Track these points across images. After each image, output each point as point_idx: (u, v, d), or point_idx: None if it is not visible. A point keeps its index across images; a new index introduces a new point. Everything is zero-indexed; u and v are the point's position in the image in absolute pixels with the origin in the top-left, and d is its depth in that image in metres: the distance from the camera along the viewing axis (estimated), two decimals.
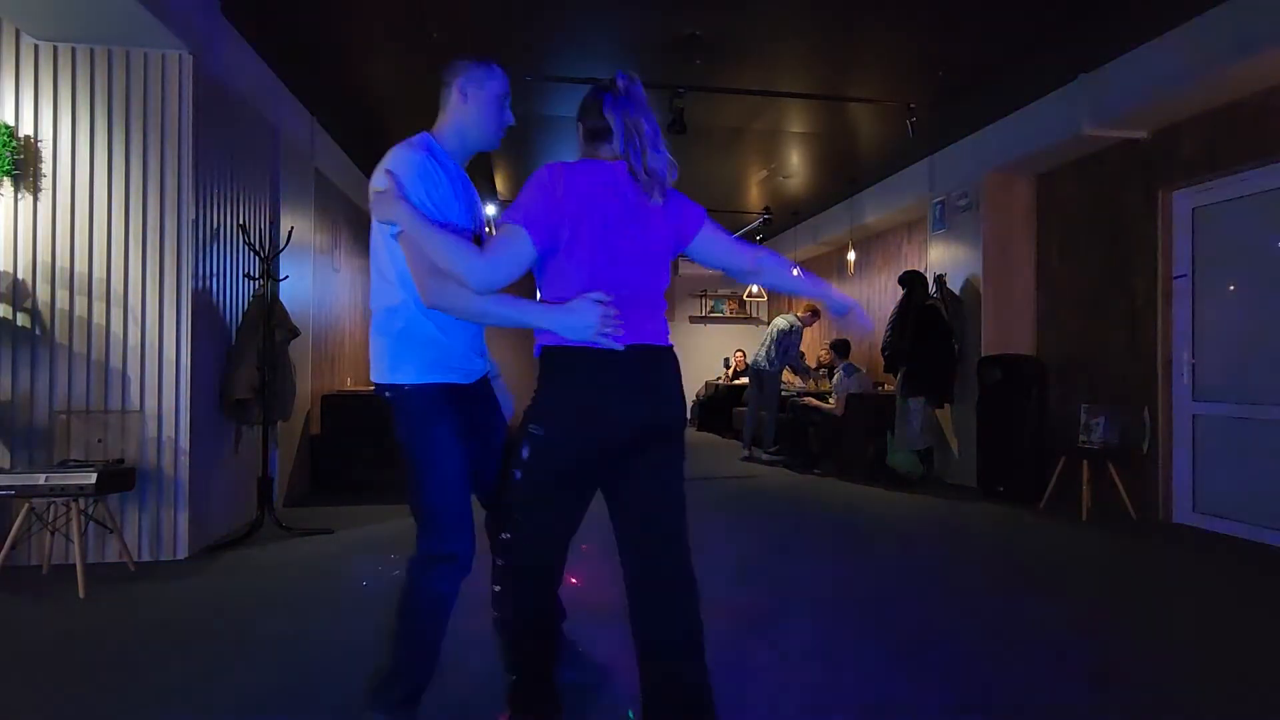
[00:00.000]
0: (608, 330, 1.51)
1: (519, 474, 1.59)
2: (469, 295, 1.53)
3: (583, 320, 1.50)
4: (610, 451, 1.57)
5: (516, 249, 1.49)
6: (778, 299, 11.27)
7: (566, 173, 1.54)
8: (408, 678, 1.78)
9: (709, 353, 11.39)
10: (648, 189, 1.55)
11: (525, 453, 1.57)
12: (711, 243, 1.74)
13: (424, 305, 1.61)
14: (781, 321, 7.41)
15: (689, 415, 11.34)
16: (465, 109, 1.79)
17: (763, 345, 7.45)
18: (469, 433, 1.81)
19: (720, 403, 10.06)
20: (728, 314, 11.57)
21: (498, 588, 1.74)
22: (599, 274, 1.54)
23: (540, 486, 1.58)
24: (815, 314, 7.70)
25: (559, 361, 1.55)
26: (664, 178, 1.57)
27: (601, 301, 1.51)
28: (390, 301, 1.74)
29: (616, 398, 1.54)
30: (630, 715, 1.89)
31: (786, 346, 7.33)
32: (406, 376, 1.74)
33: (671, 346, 1.66)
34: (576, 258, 1.53)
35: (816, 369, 8.63)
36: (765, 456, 7.40)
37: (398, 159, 1.67)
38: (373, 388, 1.85)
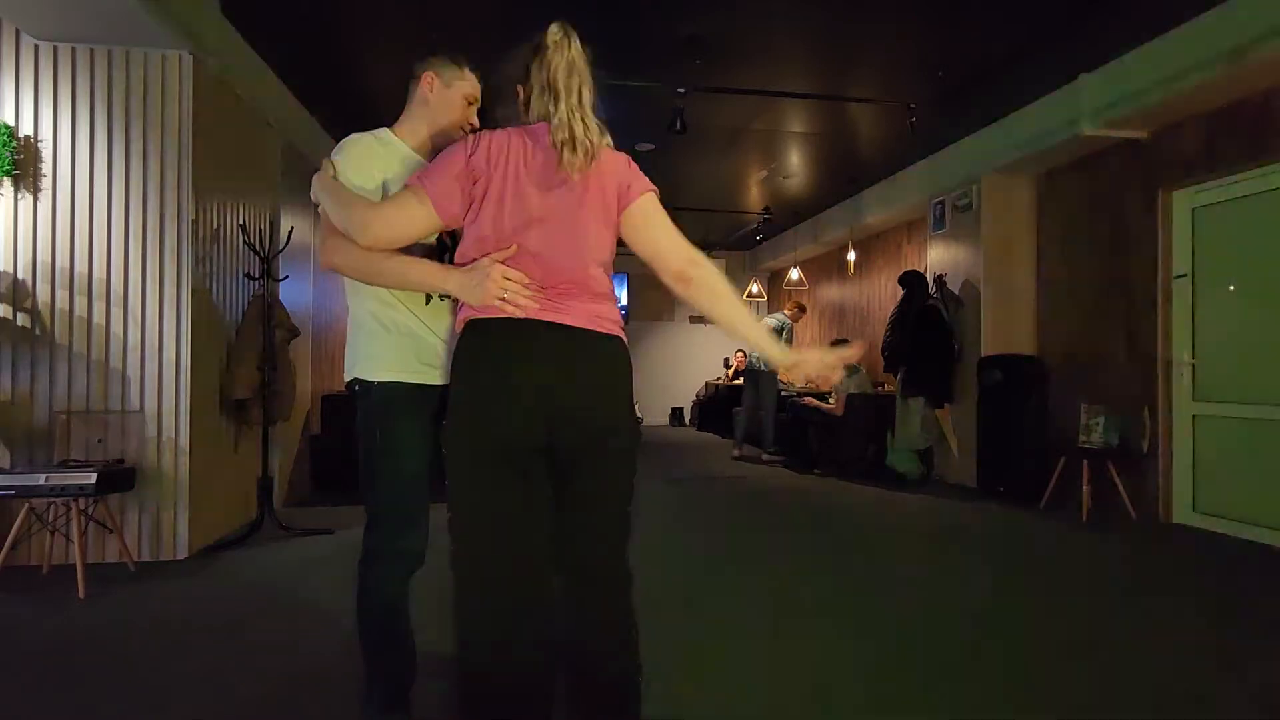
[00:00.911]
0: (507, 295, 1.36)
1: (446, 451, 1.43)
2: (365, 254, 1.43)
3: (479, 281, 1.36)
4: (522, 443, 1.39)
5: (410, 207, 1.40)
6: (778, 299, 11.29)
7: (485, 137, 1.44)
8: (386, 680, 1.75)
9: (709, 353, 11.40)
10: (561, 156, 1.39)
11: (446, 425, 1.43)
12: (645, 225, 1.50)
13: (321, 267, 1.54)
14: (771, 321, 7.46)
15: (688, 416, 11.35)
16: (428, 106, 1.74)
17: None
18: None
19: (720, 403, 10.06)
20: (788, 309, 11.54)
21: (457, 599, 1.45)
22: (508, 239, 1.40)
23: (463, 469, 1.40)
24: (802, 309, 7.74)
25: (470, 336, 1.42)
26: (587, 146, 1.40)
27: (503, 262, 1.38)
28: (363, 297, 1.68)
29: (523, 381, 1.37)
30: None
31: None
32: (373, 373, 1.67)
33: (612, 337, 1.45)
34: (486, 222, 1.40)
35: None
36: (765, 456, 7.46)
37: (340, 144, 1.64)
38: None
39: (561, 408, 1.39)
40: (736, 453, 7.69)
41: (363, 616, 1.75)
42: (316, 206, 1.55)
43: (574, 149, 1.39)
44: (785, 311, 7.62)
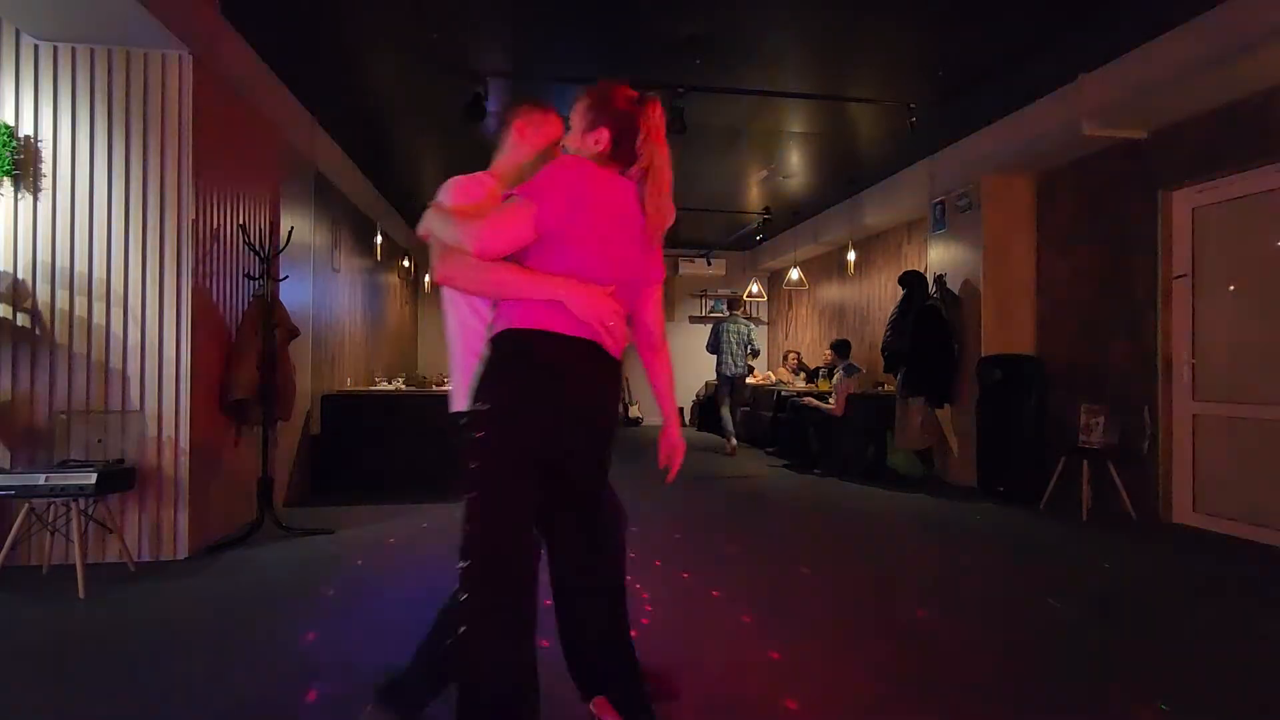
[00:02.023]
0: (610, 324, 1.52)
1: (474, 463, 1.51)
2: (481, 266, 1.51)
3: (599, 303, 1.51)
4: (556, 442, 1.54)
5: (520, 220, 1.49)
6: (778, 299, 11.28)
7: (590, 172, 1.57)
8: (418, 685, 1.80)
9: (709, 352, 11.38)
10: (652, 226, 1.61)
11: (477, 435, 1.50)
12: (649, 300, 1.77)
13: (435, 280, 1.60)
14: (742, 329, 8.07)
15: (688, 416, 11.38)
16: (521, 150, 1.88)
17: (731, 354, 8.04)
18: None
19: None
20: (727, 314, 11.54)
21: (464, 596, 1.52)
22: (597, 272, 1.54)
23: (493, 479, 1.50)
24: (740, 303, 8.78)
25: (524, 344, 1.51)
26: (665, 223, 1.62)
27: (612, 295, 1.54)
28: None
29: (574, 390, 1.53)
30: None
31: (753, 346, 8.16)
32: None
33: (619, 363, 1.65)
34: (578, 252, 1.53)
35: (817, 369, 8.67)
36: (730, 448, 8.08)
37: (444, 184, 1.77)
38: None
39: (589, 420, 1.59)
40: (731, 447, 8.15)
41: (440, 618, 1.85)
42: (427, 240, 1.63)
43: (661, 229, 1.63)
44: (739, 313, 8.37)
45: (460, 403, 1.72)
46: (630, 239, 1.60)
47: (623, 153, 1.63)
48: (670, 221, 1.64)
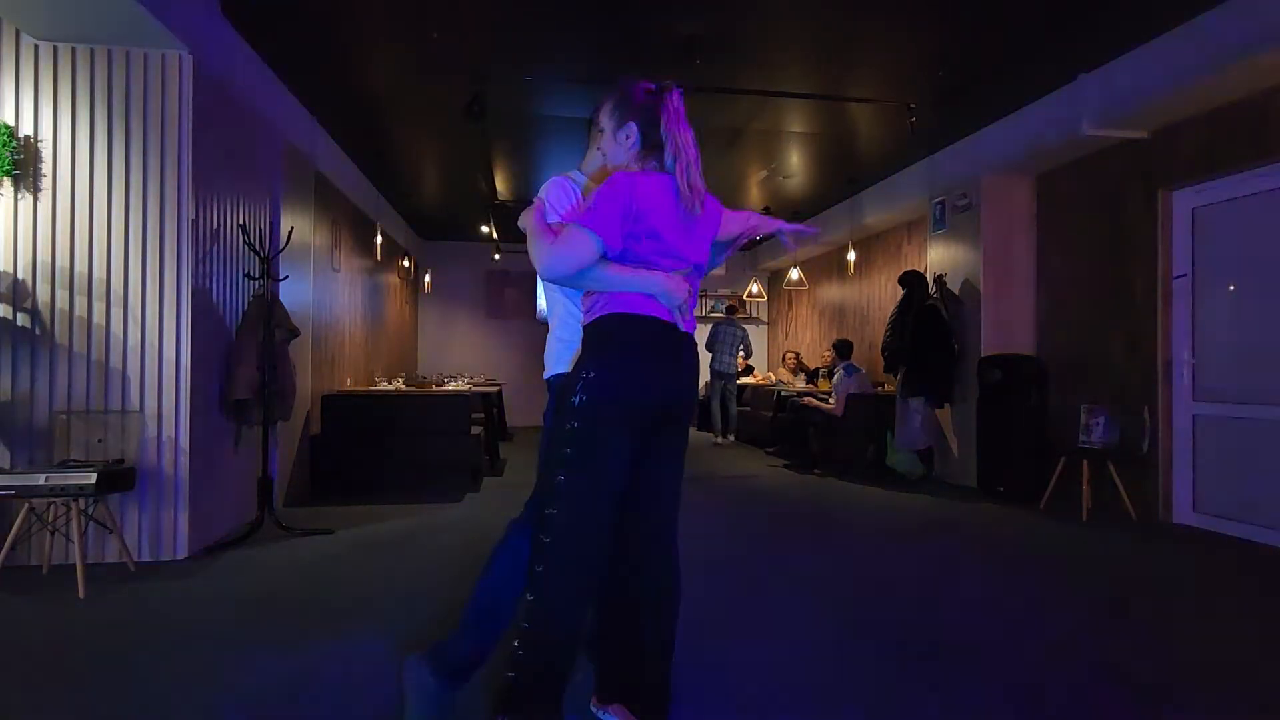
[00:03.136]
0: (684, 308, 1.77)
1: (575, 423, 1.68)
2: (582, 266, 1.70)
3: (677, 289, 1.74)
4: (648, 416, 1.74)
5: (582, 249, 1.67)
6: (778, 299, 11.28)
7: (638, 183, 1.73)
8: (463, 643, 1.86)
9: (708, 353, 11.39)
10: (688, 204, 1.77)
11: (579, 399, 1.68)
12: (729, 220, 2.01)
13: (543, 276, 1.77)
14: (737, 331, 8.80)
15: None
16: (609, 148, 1.95)
17: (729, 353, 8.82)
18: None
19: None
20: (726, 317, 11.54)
21: (539, 568, 1.68)
22: (664, 266, 1.76)
23: (592, 436, 1.67)
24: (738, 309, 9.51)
25: (620, 325, 1.73)
26: (704, 192, 1.81)
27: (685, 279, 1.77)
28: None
29: (665, 365, 1.77)
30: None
31: (746, 349, 8.89)
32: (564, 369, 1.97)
33: (693, 338, 1.87)
34: (644, 253, 1.74)
35: (817, 370, 8.69)
36: (718, 441, 8.88)
37: (545, 185, 1.96)
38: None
39: (676, 393, 1.81)
40: (723, 439, 8.95)
41: (486, 570, 1.93)
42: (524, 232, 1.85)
43: (693, 203, 1.79)
44: (735, 317, 9.08)
45: (553, 368, 1.99)
46: (684, 227, 1.79)
47: (652, 143, 1.80)
48: (701, 192, 1.80)
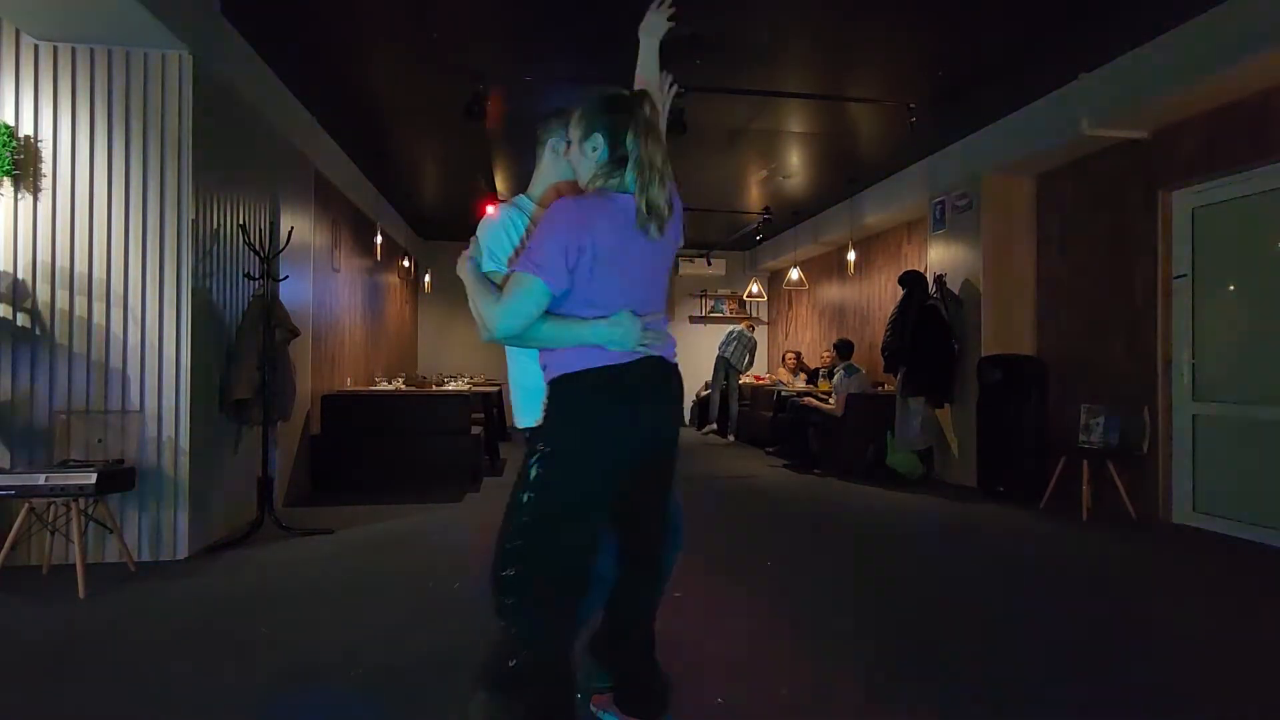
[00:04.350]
0: (646, 340, 1.61)
1: (530, 496, 1.58)
2: (535, 317, 1.58)
3: (626, 331, 1.58)
4: (631, 464, 1.64)
5: (531, 297, 1.55)
6: (778, 299, 11.27)
7: (583, 213, 1.59)
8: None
9: (709, 352, 11.36)
10: (643, 225, 1.61)
11: (534, 474, 1.59)
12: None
13: (486, 339, 1.64)
14: (750, 339, 9.39)
15: (688, 415, 11.38)
16: (557, 166, 1.87)
17: (740, 350, 9.31)
18: None
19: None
20: (728, 314, 11.56)
21: (512, 630, 1.61)
22: (621, 298, 1.62)
23: (555, 509, 1.58)
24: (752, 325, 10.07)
25: (576, 389, 1.61)
26: (663, 214, 1.62)
27: (638, 314, 1.61)
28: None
29: (643, 410, 1.64)
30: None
31: (750, 358, 9.40)
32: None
33: (675, 364, 1.76)
34: (599, 286, 1.60)
35: (817, 370, 8.70)
36: (710, 430, 9.42)
37: (482, 223, 1.80)
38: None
39: (661, 430, 1.71)
40: (715, 429, 9.36)
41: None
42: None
43: (658, 224, 1.63)
44: (744, 325, 9.59)
45: (524, 420, 1.85)
46: (641, 253, 1.64)
47: (619, 156, 1.63)
48: (663, 202, 1.61)
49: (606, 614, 1.86)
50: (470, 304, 1.65)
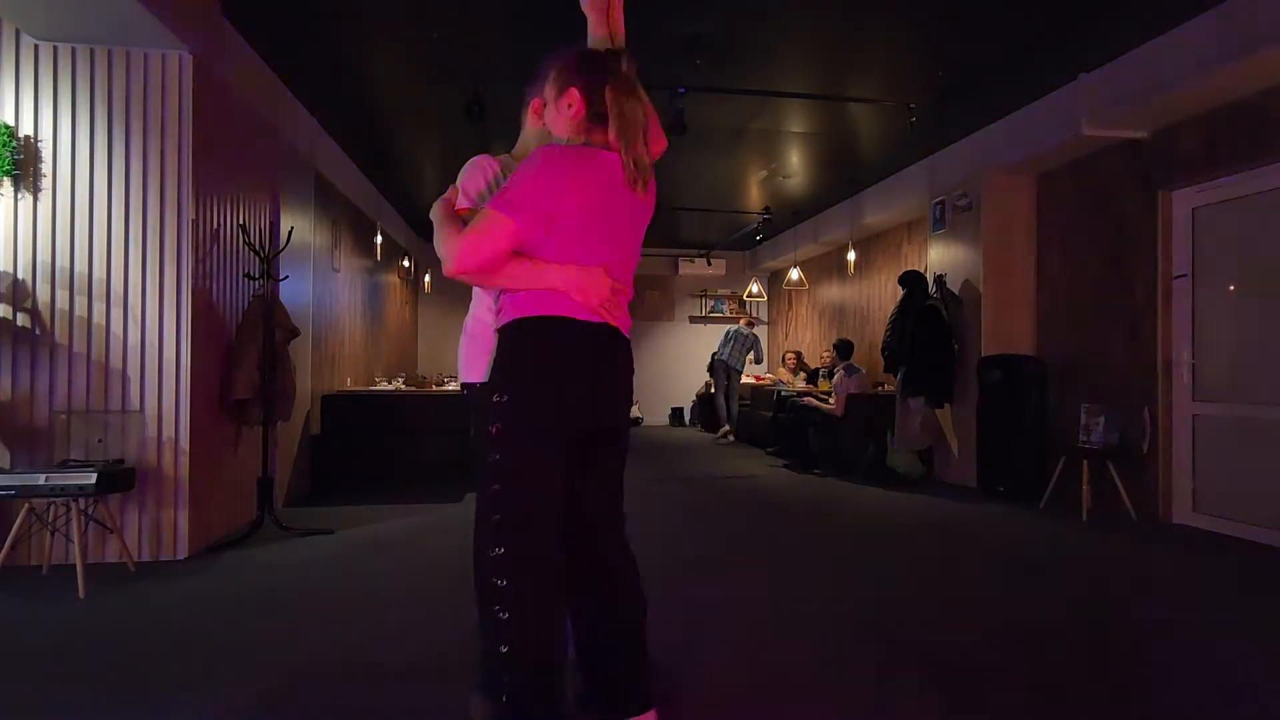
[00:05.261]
0: (609, 306, 1.58)
1: (497, 454, 1.53)
2: (494, 257, 1.55)
3: (596, 285, 1.55)
4: (574, 436, 1.59)
5: (492, 237, 1.51)
6: (778, 299, 11.27)
7: (567, 161, 1.55)
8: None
9: (709, 352, 11.40)
10: (631, 181, 1.58)
11: (496, 429, 1.53)
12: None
13: (446, 274, 1.59)
14: (746, 335, 9.27)
15: (688, 416, 11.37)
16: (540, 124, 1.84)
17: (737, 349, 9.22)
18: None
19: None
20: (728, 314, 11.56)
21: (505, 615, 1.52)
22: (594, 255, 1.58)
23: (520, 468, 1.53)
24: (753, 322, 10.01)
25: (534, 335, 1.56)
26: (648, 170, 1.61)
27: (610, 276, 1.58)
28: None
29: (591, 378, 1.59)
30: None
31: (757, 353, 9.39)
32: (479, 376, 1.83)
33: (629, 340, 1.70)
34: (575, 241, 1.56)
35: (817, 370, 8.70)
36: (725, 434, 9.26)
37: (463, 169, 1.80)
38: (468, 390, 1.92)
39: (603, 404, 1.64)
40: (726, 432, 9.30)
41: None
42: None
43: (644, 181, 1.61)
44: (743, 323, 9.54)
45: (465, 374, 1.85)
46: (621, 212, 1.61)
47: (596, 111, 1.59)
48: (648, 169, 1.61)
49: (576, 610, 1.75)
50: (434, 240, 1.61)
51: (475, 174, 1.76)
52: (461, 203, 1.71)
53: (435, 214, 1.67)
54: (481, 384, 1.73)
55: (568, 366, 1.56)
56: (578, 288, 1.54)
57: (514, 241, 1.52)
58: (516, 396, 1.54)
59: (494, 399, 1.55)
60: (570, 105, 1.61)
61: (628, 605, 1.72)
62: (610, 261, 1.60)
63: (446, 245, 1.55)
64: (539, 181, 1.52)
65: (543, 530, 1.56)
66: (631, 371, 1.71)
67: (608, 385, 1.64)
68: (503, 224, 1.50)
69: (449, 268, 1.53)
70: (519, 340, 1.57)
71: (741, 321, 9.66)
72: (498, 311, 1.64)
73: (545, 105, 1.68)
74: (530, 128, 1.93)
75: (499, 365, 1.59)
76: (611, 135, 1.58)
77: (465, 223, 1.60)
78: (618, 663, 1.71)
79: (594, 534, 1.70)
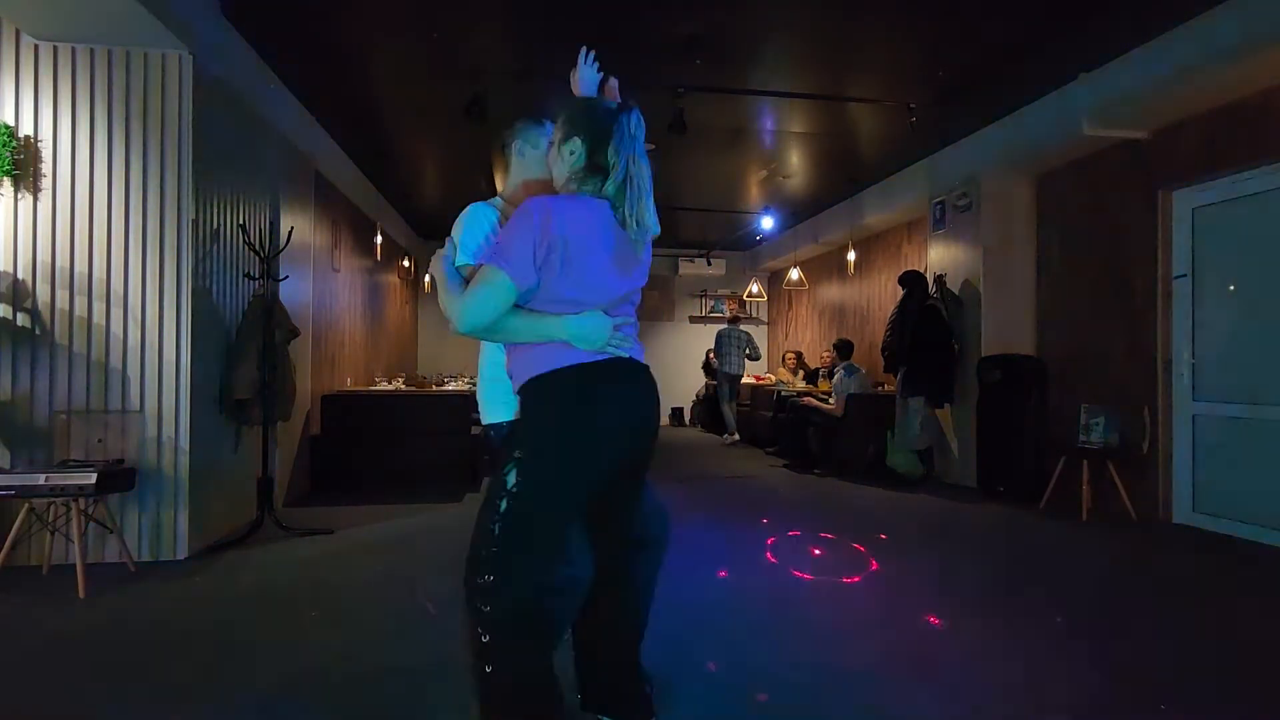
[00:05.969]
0: (615, 341, 1.61)
1: (506, 503, 1.56)
2: (501, 311, 1.58)
3: (596, 327, 1.58)
4: (606, 466, 1.62)
5: (497, 291, 1.55)
6: (778, 299, 11.27)
7: (555, 208, 1.58)
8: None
9: (709, 353, 11.41)
10: (635, 239, 1.65)
11: (513, 483, 1.57)
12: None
13: (454, 332, 1.64)
14: (740, 335, 8.96)
15: (688, 416, 11.38)
16: (522, 167, 1.91)
17: (736, 354, 8.93)
18: None
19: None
20: (728, 314, 11.55)
21: (486, 638, 1.57)
22: (590, 298, 1.62)
23: (532, 516, 1.57)
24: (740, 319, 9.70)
25: (549, 392, 1.60)
26: (651, 230, 1.66)
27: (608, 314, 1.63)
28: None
29: (615, 410, 1.62)
30: None
31: (753, 351, 9.01)
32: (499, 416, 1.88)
33: (645, 366, 1.75)
34: (569, 284, 1.59)
35: (817, 370, 8.70)
36: (731, 439, 9.03)
37: (458, 221, 1.81)
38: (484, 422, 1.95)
39: (641, 432, 1.70)
40: (732, 438, 9.06)
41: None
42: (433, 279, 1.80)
43: (639, 241, 1.67)
44: (738, 319, 9.36)
45: (487, 415, 1.90)
46: (614, 256, 1.64)
47: (595, 164, 1.64)
48: (654, 231, 1.68)
49: (583, 620, 1.83)
50: (439, 299, 1.66)
51: (472, 229, 1.77)
52: (461, 258, 1.72)
53: (435, 270, 1.71)
54: (506, 424, 1.81)
55: (583, 416, 1.58)
56: (578, 336, 1.58)
57: (512, 294, 1.56)
58: (536, 456, 1.58)
59: (515, 454, 1.59)
60: (572, 154, 1.67)
61: (628, 623, 1.84)
62: (611, 298, 1.65)
63: (452, 306, 1.59)
64: (527, 234, 1.55)
65: (535, 583, 1.60)
66: (654, 393, 1.73)
67: (629, 415, 1.66)
68: (499, 279, 1.55)
69: (456, 328, 1.58)
70: (535, 400, 1.62)
71: (729, 307, 9.51)
72: (511, 377, 1.70)
73: (551, 146, 1.74)
74: (515, 167, 1.94)
75: (522, 419, 1.65)
76: (609, 188, 1.64)
77: (467, 281, 1.64)
78: (620, 674, 1.81)
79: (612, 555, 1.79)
